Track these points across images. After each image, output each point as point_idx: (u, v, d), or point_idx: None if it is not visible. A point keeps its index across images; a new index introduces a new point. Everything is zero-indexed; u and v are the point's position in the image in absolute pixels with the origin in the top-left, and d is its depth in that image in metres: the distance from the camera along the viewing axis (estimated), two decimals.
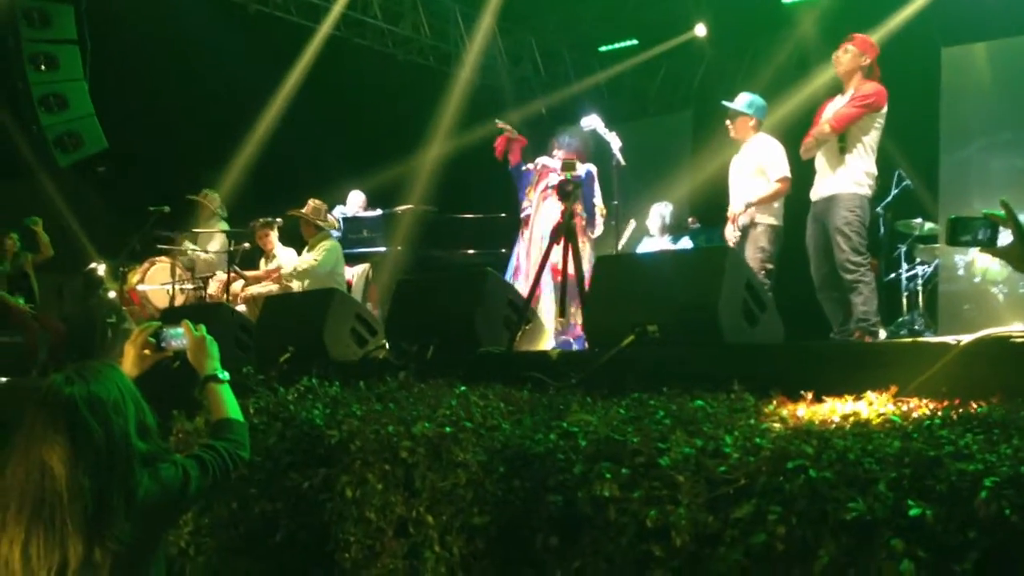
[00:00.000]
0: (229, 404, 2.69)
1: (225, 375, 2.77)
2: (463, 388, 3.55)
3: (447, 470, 3.04)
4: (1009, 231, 2.55)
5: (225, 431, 2.60)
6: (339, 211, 9.35)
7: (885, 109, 5.70)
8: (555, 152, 7.00)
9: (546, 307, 6.22)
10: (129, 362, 2.76)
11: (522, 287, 6.39)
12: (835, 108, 5.77)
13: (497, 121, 7.30)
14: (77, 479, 2.16)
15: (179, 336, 2.83)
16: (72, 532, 2.15)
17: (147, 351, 2.80)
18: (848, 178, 5.62)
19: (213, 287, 8.44)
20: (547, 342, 5.27)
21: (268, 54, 10.30)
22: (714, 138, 7.98)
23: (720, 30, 11.25)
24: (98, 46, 9.13)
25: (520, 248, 7.02)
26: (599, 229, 6.90)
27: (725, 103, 6.45)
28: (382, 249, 8.86)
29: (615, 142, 6.49)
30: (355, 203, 9.62)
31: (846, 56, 5.74)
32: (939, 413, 2.43)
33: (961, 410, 2.43)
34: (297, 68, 10.49)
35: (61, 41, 8.76)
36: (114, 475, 2.20)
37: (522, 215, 7.19)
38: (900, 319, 8.06)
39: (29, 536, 2.15)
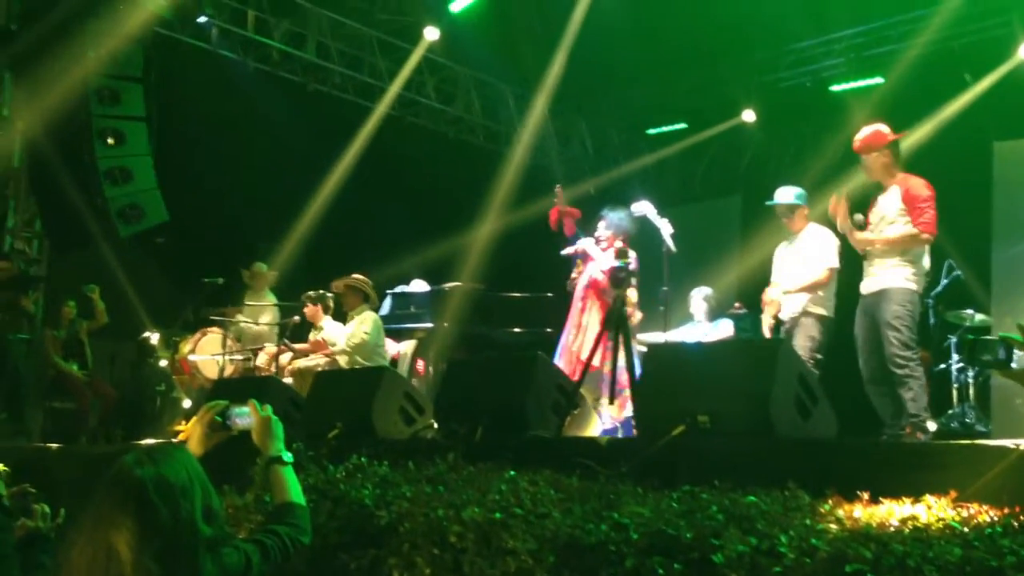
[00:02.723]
0: (292, 487, 2.68)
1: (289, 457, 2.76)
2: (512, 473, 3.56)
3: (496, 557, 3.04)
4: None
5: (288, 516, 2.60)
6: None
7: None
8: (600, 228, 6.99)
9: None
10: (195, 440, 2.77)
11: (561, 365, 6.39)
12: (886, 208, 5.71)
13: (557, 187, 7.54)
14: (143, 563, 2.15)
15: (245, 415, 2.83)
16: None
17: (213, 430, 2.82)
18: (899, 273, 5.61)
19: (261, 359, 8.55)
20: (595, 428, 5.26)
21: (325, 131, 10.61)
22: (763, 223, 8.00)
23: (768, 116, 11.34)
24: (164, 122, 9.47)
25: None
26: (637, 315, 6.90)
27: (775, 202, 6.41)
28: (429, 325, 8.91)
29: (666, 228, 6.50)
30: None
31: (873, 163, 5.68)
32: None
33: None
34: (352, 146, 10.76)
35: (129, 118, 9.09)
36: (179, 560, 2.20)
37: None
38: (950, 411, 7.90)
39: None
